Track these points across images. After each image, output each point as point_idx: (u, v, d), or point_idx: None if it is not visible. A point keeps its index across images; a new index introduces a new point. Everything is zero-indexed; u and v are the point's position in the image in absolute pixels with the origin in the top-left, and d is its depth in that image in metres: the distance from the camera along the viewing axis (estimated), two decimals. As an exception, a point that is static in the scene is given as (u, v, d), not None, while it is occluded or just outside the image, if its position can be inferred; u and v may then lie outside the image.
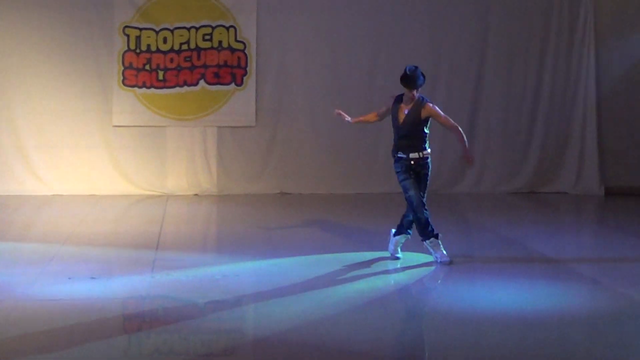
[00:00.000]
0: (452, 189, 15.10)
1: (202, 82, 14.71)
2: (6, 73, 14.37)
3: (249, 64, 14.79)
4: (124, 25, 14.54)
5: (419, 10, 15.04)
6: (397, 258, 9.73)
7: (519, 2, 15.19)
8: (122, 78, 14.59)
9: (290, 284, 8.66)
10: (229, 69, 14.75)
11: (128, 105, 14.61)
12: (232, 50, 14.75)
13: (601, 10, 15.27)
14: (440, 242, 9.57)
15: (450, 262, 9.47)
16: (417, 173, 9.53)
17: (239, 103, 14.82)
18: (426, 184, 9.60)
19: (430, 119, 9.55)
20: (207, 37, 14.70)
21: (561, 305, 8.05)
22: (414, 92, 9.48)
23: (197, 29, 14.68)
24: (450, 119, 9.61)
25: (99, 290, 8.37)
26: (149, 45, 14.63)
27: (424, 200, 9.53)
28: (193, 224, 12.74)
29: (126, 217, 13.21)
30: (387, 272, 9.30)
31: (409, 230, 9.72)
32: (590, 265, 9.75)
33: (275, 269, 9.32)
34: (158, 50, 14.65)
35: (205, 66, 14.71)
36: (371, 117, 10.14)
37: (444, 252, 9.55)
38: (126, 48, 14.58)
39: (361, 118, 10.24)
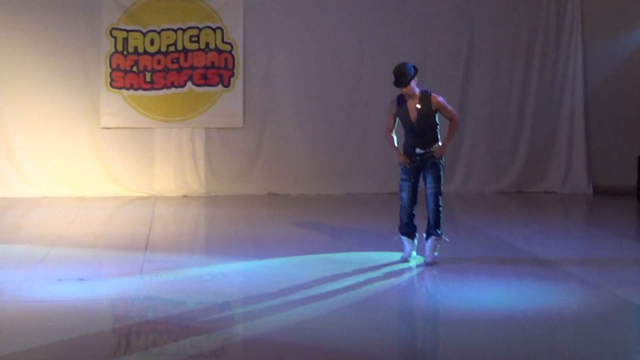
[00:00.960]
0: (440, 189, 15.12)
1: (189, 83, 14.72)
2: (-7, 76, 14.38)
3: (236, 66, 14.80)
4: (111, 27, 14.54)
5: (405, 12, 15.08)
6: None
7: (506, 1, 15.24)
8: (109, 80, 14.59)
9: (279, 284, 8.66)
10: (216, 70, 14.76)
11: (116, 107, 14.61)
12: (219, 51, 14.76)
13: (588, 9, 15.35)
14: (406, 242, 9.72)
15: (406, 261, 9.63)
16: (424, 167, 9.53)
17: (227, 104, 14.83)
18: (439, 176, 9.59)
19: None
20: (194, 38, 14.71)
21: (549, 305, 8.07)
22: (409, 88, 9.45)
23: (184, 30, 14.69)
24: (453, 111, 9.67)
25: (88, 291, 8.36)
26: (136, 47, 14.62)
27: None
28: (181, 225, 12.75)
29: (115, 218, 13.20)
30: (375, 272, 9.29)
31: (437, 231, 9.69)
32: (578, 265, 9.78)
33: (263, 270, 9.33)
34: (145, 52, 14.65)
35: (192, 68, 14.72)
36: (391, 135, 9.65)
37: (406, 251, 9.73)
38: (113, 50, 14.57)
39: (393, 142, 9.66)
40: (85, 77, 14.57)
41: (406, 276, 9.23)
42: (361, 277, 9.03)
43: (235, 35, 14.81)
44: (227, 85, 14.80)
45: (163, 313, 7.87)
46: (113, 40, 14.57)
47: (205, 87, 14.77)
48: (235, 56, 14.81)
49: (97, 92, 14.58)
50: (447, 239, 9.68)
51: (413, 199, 9.62)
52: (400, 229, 9.73)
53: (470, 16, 15.21)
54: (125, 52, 14.61)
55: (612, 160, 15.43)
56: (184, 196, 14.79)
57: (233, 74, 14.81)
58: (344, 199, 14.59)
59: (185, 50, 14.72)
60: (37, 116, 14.48)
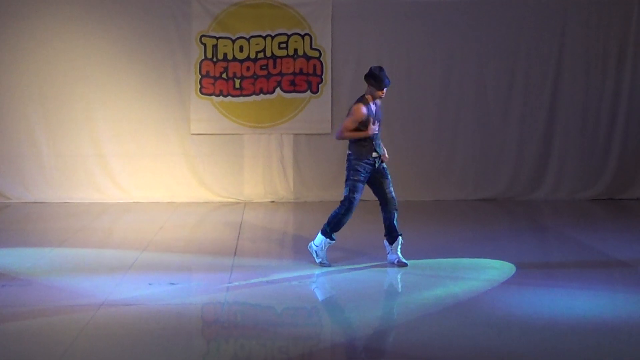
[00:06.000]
0: (529, 196, 14.98)
1: (278, 90, 14.82)
2: (87, 83, 14.64)
3: (324, 72, 14.86)
4: (200, 35, 14.72)
5: (495, 18, 14.96)
6: (404, 264, 9.70)
7: (597, 7, 15.01)
8: (199, 87, 14.76)
9: (367, 290, 8.67)
10: (304, 76, 14.84)
11: (205, 114, 14.79)
12: (308, 58, 14.83)
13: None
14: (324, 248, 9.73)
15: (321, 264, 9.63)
16: (379, 171, 9.77)
17: (315, 110, 14.89)
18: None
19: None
20: (283, 45, 14.80)
21: (641, 313, 7.94)
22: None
23: (272, 37, 14.79)
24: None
25: (178, 295, 8.47)
26: (225, 54, 14.78)
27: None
28: (270, 231, 12.80)
29: (204, 223, 13.34)
30: (463, 278, 9.24)
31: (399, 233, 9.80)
32: (672, 273, 9.60)
33: (351, 275, 9.33)
34: (234, 59, 14.79)
35: (281, 74, 14.82)
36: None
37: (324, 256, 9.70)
38: (203, 57, 14.75)
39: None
40: (175, 84, 14.78)
41: (493, 283, 9.13)
42: (449, 284, 8.98)
43: (324, 41, 14.86)
44: (315, 91, 14.87)
45: (251, 317, 7.93)
46: (203, 47, 14.75)
47: (293, 93, 14.86)
48: (323, 62, 14.87)
49: (188, 99, 14.78)
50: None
51: None
52: (331, 231, 9.73)
53: (562, 22, 15.01)
54: (214, 59, 14.78)
55: None
56: (272, 202, 14.89)
57: (321, 80, 14.87)
58: (433, 205, 14.51)
59: (273, 57, 14.82)
60: (128, 122, 14.74)
